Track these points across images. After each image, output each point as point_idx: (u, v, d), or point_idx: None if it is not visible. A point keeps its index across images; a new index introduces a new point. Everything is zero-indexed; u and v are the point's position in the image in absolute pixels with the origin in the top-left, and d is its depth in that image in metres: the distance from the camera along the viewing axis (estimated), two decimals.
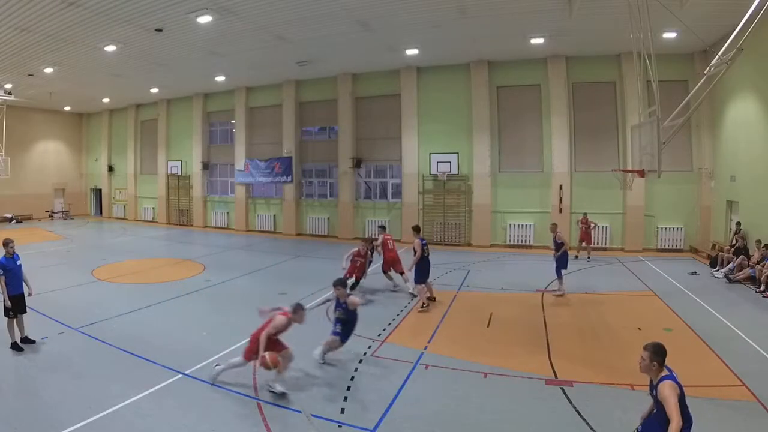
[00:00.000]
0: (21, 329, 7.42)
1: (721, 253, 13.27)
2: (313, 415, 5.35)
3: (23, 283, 7.53)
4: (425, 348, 7.52)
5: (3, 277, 7.16)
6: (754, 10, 7.45)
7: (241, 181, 23.37)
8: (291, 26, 14.01)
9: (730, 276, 11.87)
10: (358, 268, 10.55)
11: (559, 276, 10.68)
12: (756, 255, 11.65)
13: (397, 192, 20.05)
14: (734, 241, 13.03)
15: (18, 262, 7.48)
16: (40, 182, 29.07)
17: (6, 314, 7.25)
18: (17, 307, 7.29)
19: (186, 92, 24.64)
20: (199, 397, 5.81)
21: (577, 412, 5.42)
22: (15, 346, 7.19)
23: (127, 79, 20.66)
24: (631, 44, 9.33)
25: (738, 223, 13.49)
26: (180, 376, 6.38)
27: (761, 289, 10.64)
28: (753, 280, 11.24)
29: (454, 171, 18.36)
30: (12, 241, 7.55)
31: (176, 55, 16.86)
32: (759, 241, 11.74)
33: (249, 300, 10.61)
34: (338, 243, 19.54)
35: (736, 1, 10.30)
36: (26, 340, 7.43)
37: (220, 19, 12.97)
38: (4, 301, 7.29)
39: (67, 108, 28.84)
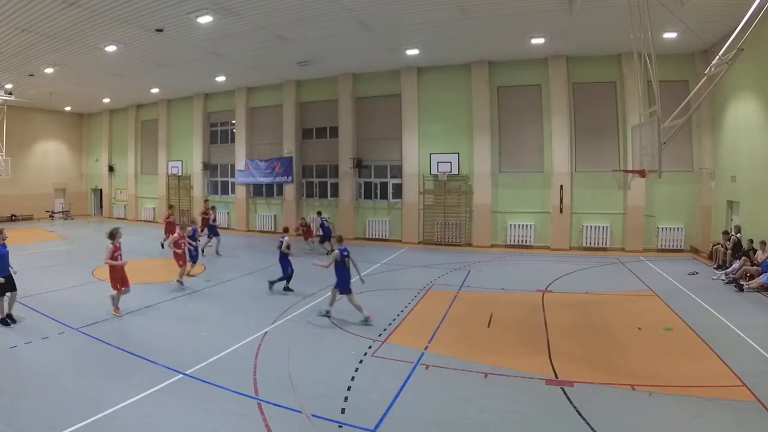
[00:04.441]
0: (10, 306, 8.53)
1: (716, 246, 13.48)
2: (313, 415, 5.35)
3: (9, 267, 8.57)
4: (426, 348, 7.52)
5: None
6: (754, 10, 7.45)
7: (241, 181, 23.38)
8: (291, 26, 14.02)
9: (734, 276, 11.70)
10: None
11: None
12: (760, 255, 11.61)
13: (398, 192, 20.04)
14: (730, 241, 13.11)
15: (7, 249, 8.55)
16: (41, 182, 29.09)
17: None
18: (7, 286, 8.38)
19: (186, 92, 24.66)
20: (199, 397, 5.81)
21: (577, 412, 5.41)
22: (2, 322, 8.30)
23: (127, 80, 20.68)
24: (632, 44, 9.34)
25: (737, 227, 13.50)
26: (180, 376, 6.38)
27: None
28: (766, 288, 10.74)
29: (455, 171, 18.36)
30: (3, 229, 8.67)
31: (177, 55, 16.87)
32: (764, 242, 11.67)
33: (249, 300, 10.63)
34: None
35: (737, 1, 10.29)
36: (10, 317, 8.49)
37: (221, 19, 12.98)
38: None
39: (68, 108, 28.87)
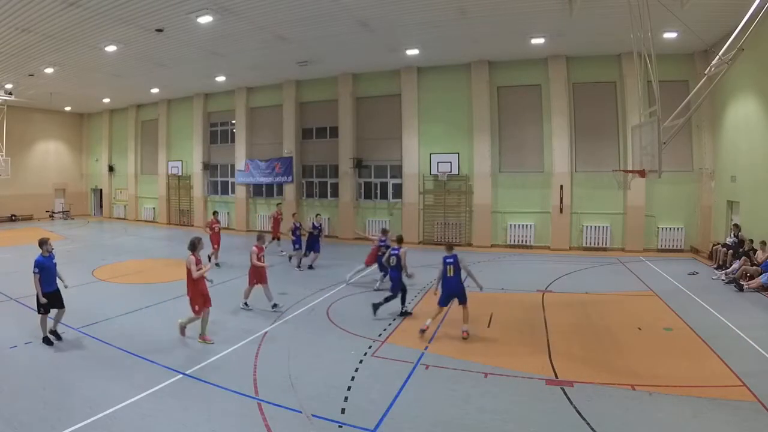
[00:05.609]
0: (56, 322, 7.71)
1: (716, 246, 13.54)
2: (313, 415, 5.35)
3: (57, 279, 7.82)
4: (426, 348, 7.52)
5: (38, 276, 7.40)
6: (754, 10, 7.45)
7: (241, 181, 23.39)
8: (291, 26, 14.02)
9: (734, 276, 11.71)
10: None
11: None
12: (760, 255, 11.61)
13: (398, 192, 20.04)
14: (732, 239, 13.12)
15: (53, 261, 7.78)
16: (41, 182, 29.09)
17: (38, 311, 7.49)
18: (53, 303, 7.56)
19: (186, 92, 24.66)
20: (199, 397, 5.81)
21: (578, 412, 5.41)
22: (46, 341, 7.48)
23: (127, 80, 20.68)
24: (632, 44, 9.34)
25: (735, 225, 13.52)
26: (180, 376, 6.38)
27: None
28: (766, 288, 10.79)
29: (455, 171, 18.36)
30: (48, 240, 7.85)
31: (177, 55, 16.87)
32: (764, 242, 11.68)
33: (249, 300, 10.60)
34: (339, 243, 19.54)
35: (737, 1, 10.29)
36: (55, 333, 7.67)
37: (221, 20, 12.98)
38: (38, 297, 7.43)
39: (68, 108, 28.87)
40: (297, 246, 14.16)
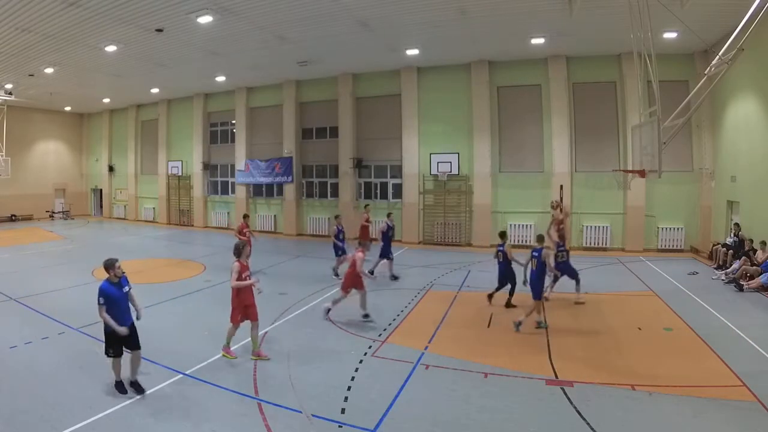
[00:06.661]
0: (134, 370, 5.95)
1: (716, 246, 13.53)
2: (313, 415, 5.35)
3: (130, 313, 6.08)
4: (426, 348, 7.52)
5: (104, 307, 5.80)
6: (754, 10, 7.46)
7: (241, 181, 23.39)
8: (291, 26, 14.03)
9: (734, 276, 11.71)
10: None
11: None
12: (760, 255, 11.61)
13: (398, 192, 20.04)
14: (732, 239, 13.12)
15: (125, 289, 6.03)
16: (41, 182, 29.09)
17: (106, 353, 5.84)
18: (125, 342, 5.83)
19: (186, 92, 24.65)
20: (199, 397, 5.81)
21: (578, 412, 5.41)
22: (119, 386, 5.83)
23: (127, 80, 20.68)
24: (632, 44, 9.34)
25: (736, 224, 13.52)
26: (180, 376, 6.38)
27: None
28: (766, 288, 10.78)
29: (455, 171, 18.36)
30: (116, 262, 6.01)
31: (177, 55, 16.87)
32: (764, 242, 11.68)
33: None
34: None
35: (737, 1, 10.29)
36: (136, 385, 5.86)
37: (221, 20, 12.98)
38: (107, 334, 5.86)
39: (68, 108, 28.88)
40: (340, 253, 12.43)
